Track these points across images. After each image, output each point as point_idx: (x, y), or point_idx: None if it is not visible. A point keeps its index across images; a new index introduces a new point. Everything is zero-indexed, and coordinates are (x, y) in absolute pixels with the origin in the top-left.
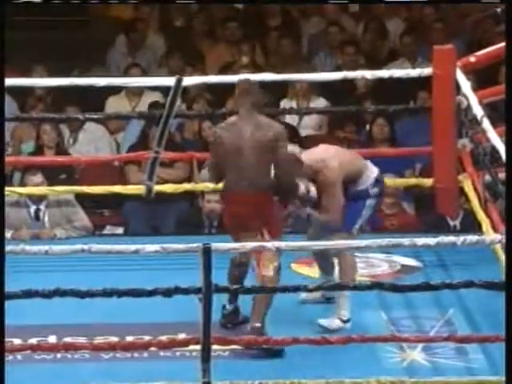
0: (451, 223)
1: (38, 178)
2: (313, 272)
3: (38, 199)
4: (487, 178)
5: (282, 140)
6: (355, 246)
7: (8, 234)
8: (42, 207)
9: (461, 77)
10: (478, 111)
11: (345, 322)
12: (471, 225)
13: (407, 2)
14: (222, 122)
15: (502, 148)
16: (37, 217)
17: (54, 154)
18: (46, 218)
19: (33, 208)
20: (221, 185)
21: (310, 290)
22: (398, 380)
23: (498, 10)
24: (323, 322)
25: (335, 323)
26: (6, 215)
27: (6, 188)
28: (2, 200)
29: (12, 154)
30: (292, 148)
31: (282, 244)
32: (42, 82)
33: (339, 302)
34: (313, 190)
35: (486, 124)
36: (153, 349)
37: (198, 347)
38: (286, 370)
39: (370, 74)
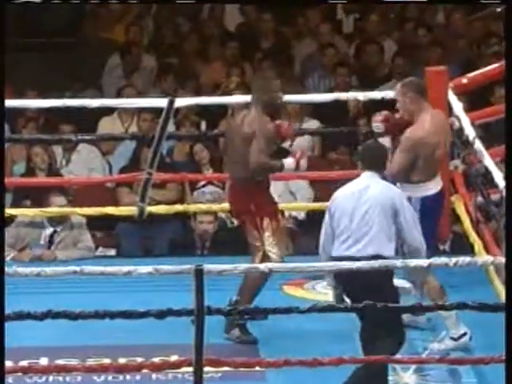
0: (441, 247)
1: (62, 200)
2: (306, 294)
3: (56, 221)
4: (479, 199)
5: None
6: (347, 268)
7: (8, 257)
8: (59, 229)
9: (453, 98)
10: (470, 132)
11: (456, 339)
12: (461, 248)
13: (406, 2)
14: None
15: (494, 169)
16: (51, 239)
17: (45, 175)
18: (57, 240)
19: (50, 230)
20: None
21: (302, 312)
22: None
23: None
24: (434, 346)
25: (445, 344)
26: (17, 235)
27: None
28: (2, 211)
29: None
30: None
31: (276, 265)
32: (35, 103)
33: (446, 324)
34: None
35: (478, 145)
36: (145, 371)
37: (191, 369)
38: None
39: (362, 96)
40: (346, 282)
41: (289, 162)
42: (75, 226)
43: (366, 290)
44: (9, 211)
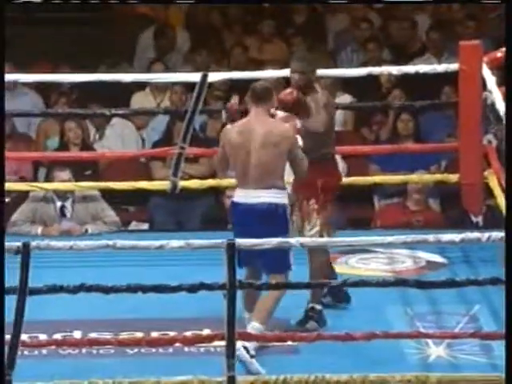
0: (474, 219)
1: (66, 174)
2: (338, 268)
3: (64, 195)
4: None
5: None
6: (380, 243)
7: (38, 230)
8: (67, 204)
9: (487, 72)
10: (501, 107)
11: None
12: (493, 221)
13: (407, 2)
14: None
15: None
16: (62, 213)
17: (78, 150)
18: (73, 215)
19: (58, 204)
20: None
21: (334, 287)
22: (422, 375)
23: None
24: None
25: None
26: (35, 210)
27: (32, 183)
28: (2, 199)
29: (37, 149)
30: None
31: (307, 240)
32: (69, 77)
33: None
34: None
35: None
36: (177, 344)
37: (223, 343)
38: (309, 365)
39: (396, 70)
40: None
41: None
42: (89, 199)
43: None
44: (44, 186)
